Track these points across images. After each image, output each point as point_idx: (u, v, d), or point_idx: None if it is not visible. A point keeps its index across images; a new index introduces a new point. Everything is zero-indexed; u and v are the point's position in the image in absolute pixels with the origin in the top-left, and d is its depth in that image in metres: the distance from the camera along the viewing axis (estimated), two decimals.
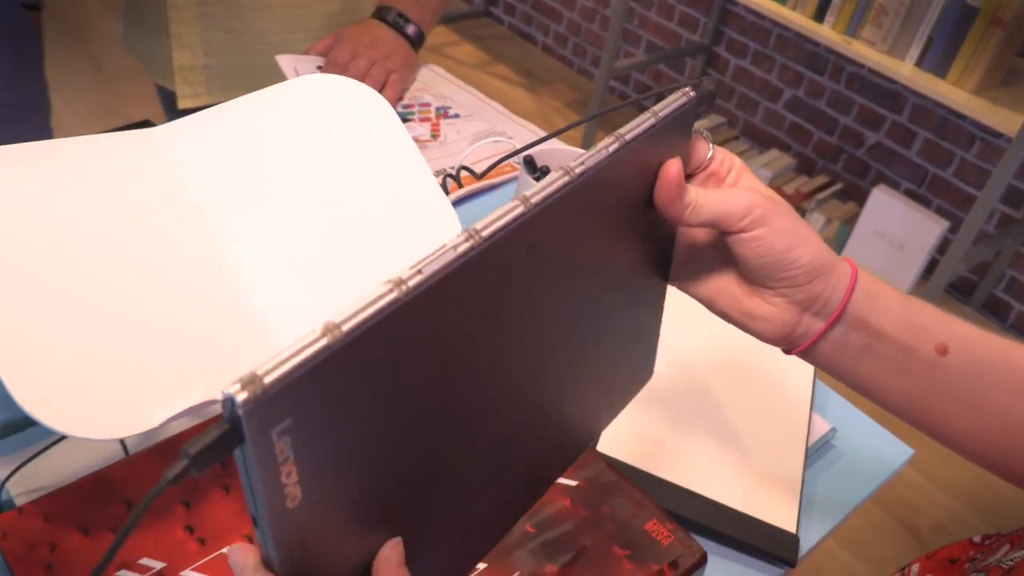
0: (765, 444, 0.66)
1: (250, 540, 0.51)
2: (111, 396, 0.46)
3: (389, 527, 0.35)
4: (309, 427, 0.28)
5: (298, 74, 0.97)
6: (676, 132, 0.43)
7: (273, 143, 0.61)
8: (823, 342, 0.46)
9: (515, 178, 0.94)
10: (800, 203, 2.37)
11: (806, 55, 2.43)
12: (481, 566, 0.52)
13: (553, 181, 0.35)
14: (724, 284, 0.48)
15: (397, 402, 0.31)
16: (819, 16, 2.10)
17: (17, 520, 0.50)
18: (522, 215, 0.33)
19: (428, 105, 1.03)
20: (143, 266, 0.52)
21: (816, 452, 0.69)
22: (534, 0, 3.14)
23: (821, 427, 0.69)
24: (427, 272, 0.30)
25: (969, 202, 2.20)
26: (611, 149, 0.38)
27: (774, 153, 2.51)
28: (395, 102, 1.01)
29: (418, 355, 0.31)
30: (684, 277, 0.49)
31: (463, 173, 0.89)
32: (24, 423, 0.59)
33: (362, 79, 0.94)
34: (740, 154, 2.52)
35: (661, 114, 0.41)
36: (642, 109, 0.43)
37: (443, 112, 1.02)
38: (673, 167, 0.42)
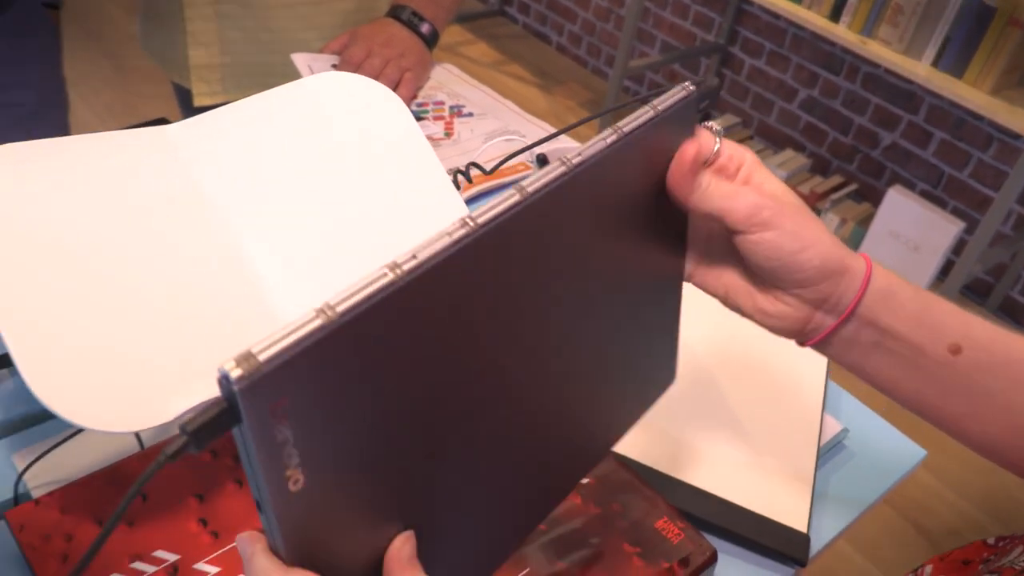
0: (777, 443, 0.66)
1: (262, 532, 0.51)
2: (127, 390, 0.47)
3: (400, 520, 0.35)
4: (308, 408, 0.28)
5: (313, 72, 0.97)
6: (678, 126, 0.44)
7: (287, 141, 0.61)
8: (834, 336, 0.47)
9: (527, 176, 0.94)
10: (815, 203, 2.36)
11: (822, 55, 2.42)
12: None
13: (550, 171, 0.36)
14: (737, 281, 0.48)
15: (397, 387, 0.31)
16: (835, 16, 2.09)
17: (34, 512, 0.51)
18: (518, 203, 0.34)
19: (442, 104, 1.03)
20: (159, 261, 0.53)
21: (828, 452, 0.69)
22: None
23: (833, 427, 0.69)
24: (422, 257, 0.31)
25: (986, 203, 2.18)
26: (609, 141, 0.39)
27: (789, 153, 2.50)
28: (409, 100, 1.01)
29: (417, 340, 0.31)
30: (698, 273, 0.49)
31: (476, 172, 0.89)
32: (42, 416, 0.60)
33: (376, 77, 0.94)
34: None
35: (660, 108, 0.42)
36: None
37: (457, 111, 1.02)
38: (691, 148, 0.43)
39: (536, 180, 0.35)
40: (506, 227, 0.34)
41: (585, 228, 0.39)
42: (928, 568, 0.66)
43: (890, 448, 0.71)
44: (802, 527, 0.60)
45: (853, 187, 2.43)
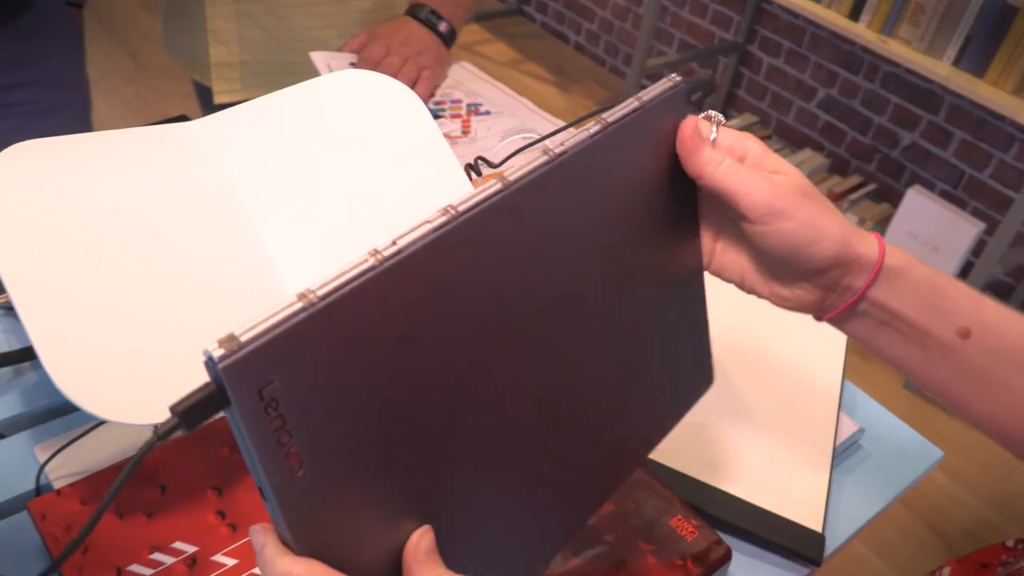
0: (792, 442, 0.66)
1: None
2: (149, 383, 0.48)
3: (415, 514, 0.35)
4: (298, 392, 0.29)
5: (331, 71, 0.98)
6: (668, 118, 0.44)
7: (306, 138, 0.62)
8: (846, 313, 0.47)
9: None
10: (833, 203, 2.34)
11: (841, 54, 2.40)
12: None
13: (532, 161, 0.37)
14: (751, 266, 0.48)
15: (388, 373, 0.32)
16: (854, 15, 2.07)
17: (55, 502, 0.52)
18: (498, 192, 0.35)
19: (459, 102, 1.03)
20: (181, 256, 0.53)
21: (844, 452, 0.69)
22: None
23: (849, 427, 0.69)
24: (401, 244, 0.31)
25: (1007, 204, 2.16)
26: (592, 131, 0.39)
27: (807, 153, 2.49)
28: (426, 98, 1.02)
29: (402, 325, 0.32)
30: (714, 261, 0.50)
31: (489, 169, 0.89)
32: (64, 409, 0.61)
33: (394, 76, 0.95)
34: None
35: (645, 99, 0.42)
36: None
37: (474, 109, 1.02)
38: (690, 123, 0.44)
39: (518, 170, 0.36)
40: (488, 213, 0.34)
41: (581, 218, 0.40)
42: (947, 570, 0.66)
43: (906, 449, 0.71)
44: (817, 527, 0.60)
45: (872, 187, 2.41)
